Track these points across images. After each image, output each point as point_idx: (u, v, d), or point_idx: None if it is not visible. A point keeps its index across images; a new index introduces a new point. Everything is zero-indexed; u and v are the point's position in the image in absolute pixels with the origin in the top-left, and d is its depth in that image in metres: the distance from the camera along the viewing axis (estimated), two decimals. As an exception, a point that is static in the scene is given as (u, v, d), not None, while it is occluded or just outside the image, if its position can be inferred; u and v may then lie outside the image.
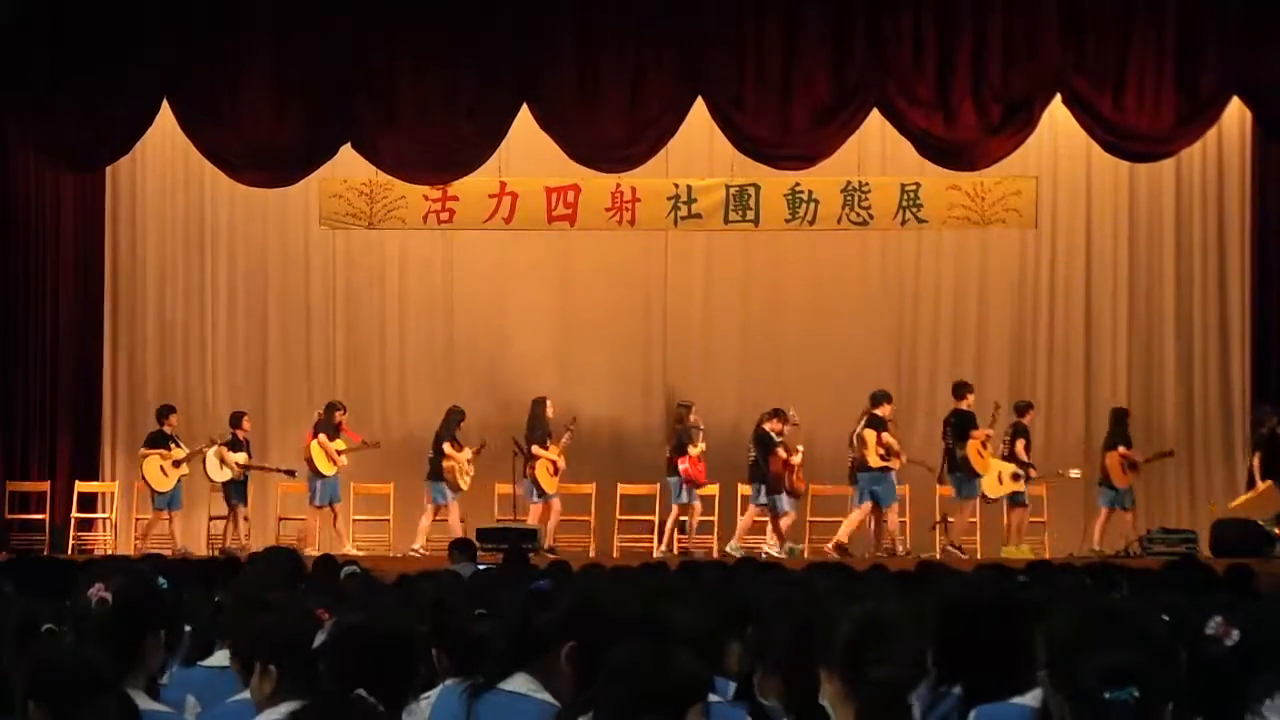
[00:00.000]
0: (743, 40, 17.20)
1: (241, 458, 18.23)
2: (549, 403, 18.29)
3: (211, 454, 18.08)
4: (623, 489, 18.49)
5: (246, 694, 4.62)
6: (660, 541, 17.90)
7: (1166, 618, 5.03)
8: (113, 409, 19.78)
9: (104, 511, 19.06)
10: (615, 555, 17.36)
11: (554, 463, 18.04)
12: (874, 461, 17.48)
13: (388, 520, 18.63)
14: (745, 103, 17.28)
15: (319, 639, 4.29)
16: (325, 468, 18.05)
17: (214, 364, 19.84)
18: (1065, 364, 19.44)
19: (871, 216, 19.22)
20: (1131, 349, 19.38)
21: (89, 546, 18.35)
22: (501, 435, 18.67)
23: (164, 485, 18.01)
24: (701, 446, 17.93)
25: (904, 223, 19.12)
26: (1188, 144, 17.76)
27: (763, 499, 17.79)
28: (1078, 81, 17.11)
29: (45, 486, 18.63)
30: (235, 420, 18.40)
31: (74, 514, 18.52)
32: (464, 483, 18.00)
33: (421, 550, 17.64)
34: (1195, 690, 4.10)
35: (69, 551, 17.64)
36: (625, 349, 19.61)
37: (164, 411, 18.36)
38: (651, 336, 19.73)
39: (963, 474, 17.69)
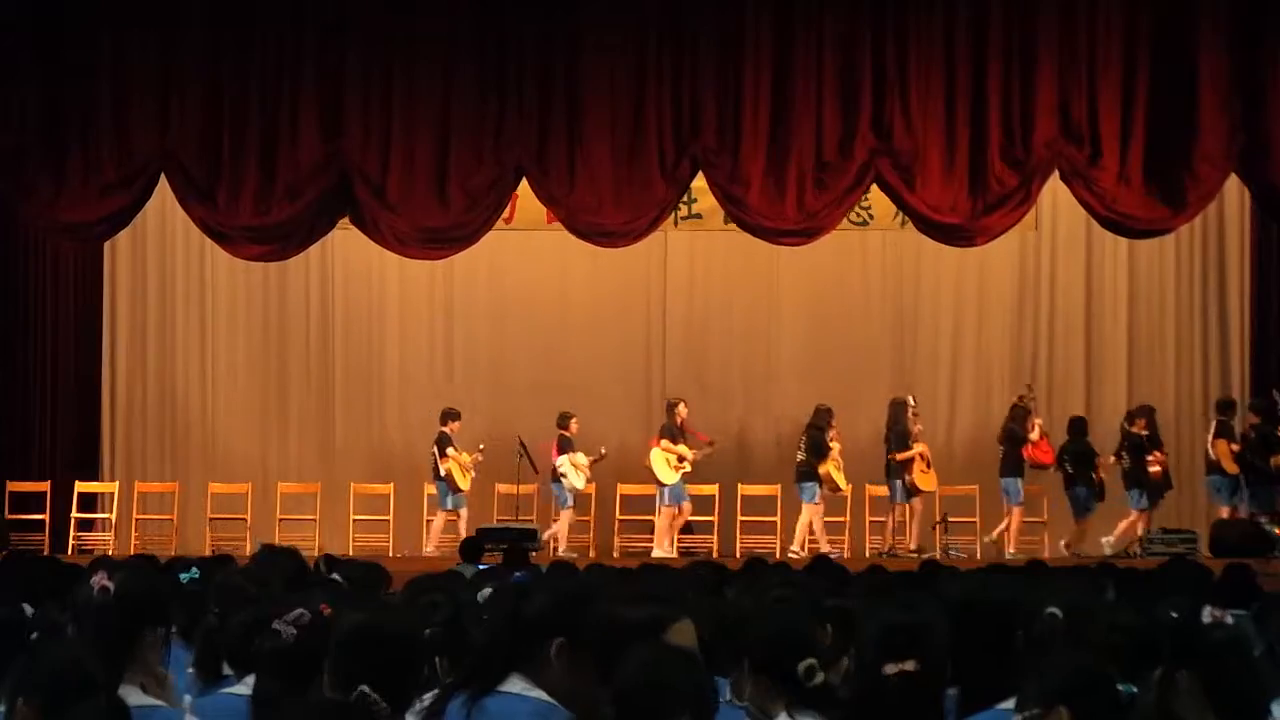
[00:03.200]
0: (741, 122, 17.23)
1: (583, 458, 18.09)
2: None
3: (567, 461, 17.92)
4: (622, 489, 18.50)
5: (238, 688, 4.62)
6: (1008, 544, 17.73)
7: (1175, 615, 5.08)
8: (112, 409, 19.80)
9: (104, 511, 19.07)
10: (615, 555, 17.38)
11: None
12: (1231, 469, 17.51)
13: (388, 520, 18.63)
14: (744, 182, 17.28)
15: (286, 635, 4.30)
16: (666, 476, 17.84)
17: (214, 364, 19.86)
18: (1065, 364, 19.45)
19: (872, 216, 19.23)
20: (1131, 349, 19.38)
21: (89, 546, 18.35)
22: (500, 436, 18.70)
23: (466, 485, 18.03)
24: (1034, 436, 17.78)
25: (904, 223, 19.09)
26: (1187, 220, 17.80)
27: (1144, 503, 17.74)
28: (1076, 162, 17.10)
29: (45, 486, 18.63)
30: (563, 421, 18.15)
31: (74, 514, 18.53)
32: (841, 481, 17.86)
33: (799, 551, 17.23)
34: (1205, 681, 4.14)
35: (69, 552, 17.63)
36: (625, 349, 19.61)
37: (449, 415, 18.15)
38: (651, 338, 19.74)
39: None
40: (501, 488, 18.52)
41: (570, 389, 19.17)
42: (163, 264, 19.84)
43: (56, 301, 19.31)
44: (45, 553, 16.86)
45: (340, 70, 17.46)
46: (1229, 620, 4.48)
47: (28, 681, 3.74)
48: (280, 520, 18.54)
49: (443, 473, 18.00)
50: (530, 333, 19.68)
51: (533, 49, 17.36)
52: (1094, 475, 17.75)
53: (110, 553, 17.15)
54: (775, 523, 18.26)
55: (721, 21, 17.21)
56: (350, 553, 16.51)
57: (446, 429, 18.13)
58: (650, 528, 18.30)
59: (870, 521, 18.39)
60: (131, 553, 16.62)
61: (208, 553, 17.10)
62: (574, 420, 18.15)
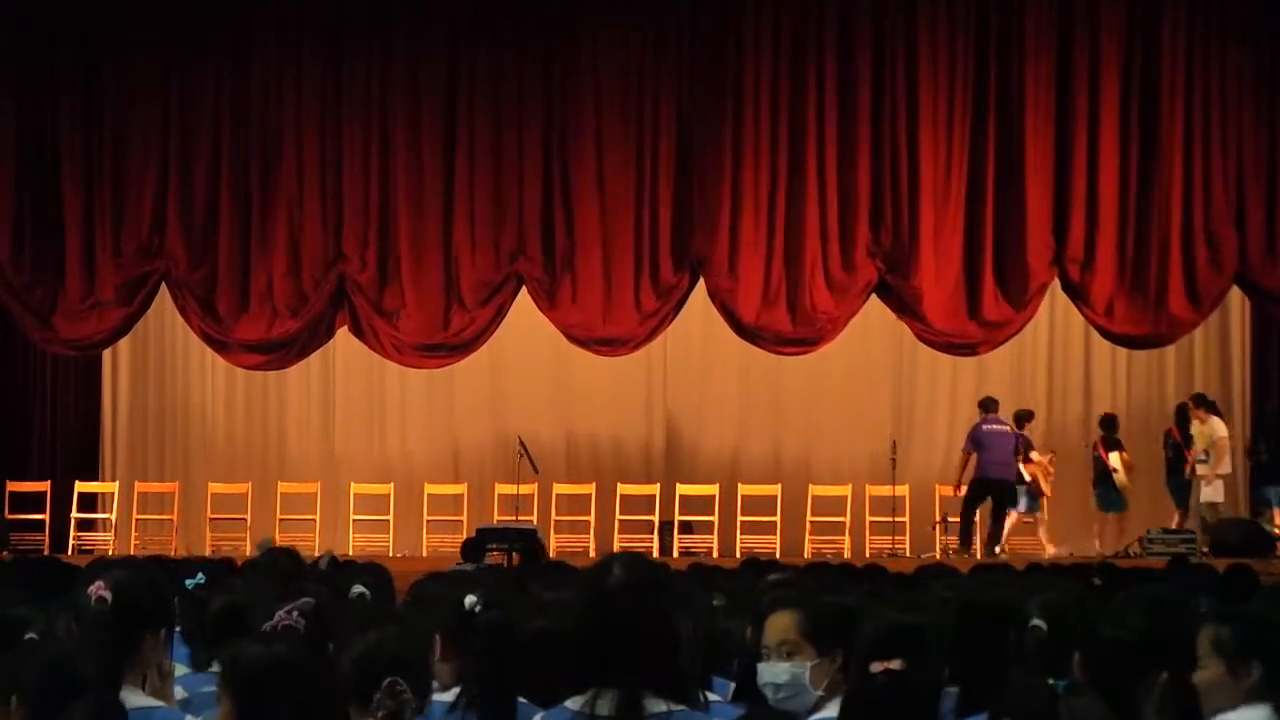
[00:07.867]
0: (743, 235, 17.52)
1: (1036, 455, 17.90)
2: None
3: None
4: (622, 489, 18.50)
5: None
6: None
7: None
8: (113, 409, 19.80)
9: (104, 511, 19.06)
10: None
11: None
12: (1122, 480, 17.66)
13: (388, 520, 18.62)
14: (743, 296, 17.59)
15: (296, 625, 4.31)
16: (1123, 479, 17.73)
17: (214, 364, 19.82)
18: (1065, 365, 19.43)
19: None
20: (1131, 352, 19.36)
21: (89, 546, 18.35)
22: (501, 439, 18.69)
23: (1047, 489, 17.90)
24: None
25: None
26: (1187, 332, 18.09)
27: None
28: (1074, 273, 17.52)
29: (45, 486, 18.63)
30: (1020, 420, 17.92)
31: (74, 514, 18.53)
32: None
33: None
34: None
35: (69, 552, 17.63)
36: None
37: (1023, 417, 17.91)
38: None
39: None
40: (501, 488, 18.51)
41: (571, 389, 19.16)
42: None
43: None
44: (45, 553, 16.89)
45: (339, 189, 17.90)
46: None
47: (19, 681, 3.71)
48: (280, 520, 18.53)
49: (1028, 477, 17.73)
50: (531, 333, 19.62)
51: (532, 161, 17.75)
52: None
53: (110, 553, 17.17)
54: (775, 523, 18.26)
55: (733, 148, 17.62)
56: (350, 553, 16.50)
57: (1024, 431, 17.86)
58: (650, 527, 18.30)
59: (870, 521, 18.39)
60: (131, 553, 16.65)
61: (208, 553, 17.13)
62: (1029, 421, 18.02)
